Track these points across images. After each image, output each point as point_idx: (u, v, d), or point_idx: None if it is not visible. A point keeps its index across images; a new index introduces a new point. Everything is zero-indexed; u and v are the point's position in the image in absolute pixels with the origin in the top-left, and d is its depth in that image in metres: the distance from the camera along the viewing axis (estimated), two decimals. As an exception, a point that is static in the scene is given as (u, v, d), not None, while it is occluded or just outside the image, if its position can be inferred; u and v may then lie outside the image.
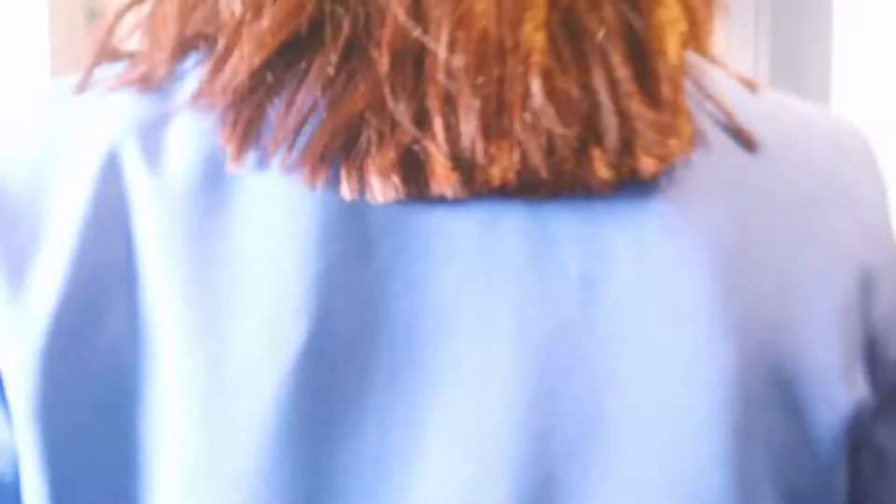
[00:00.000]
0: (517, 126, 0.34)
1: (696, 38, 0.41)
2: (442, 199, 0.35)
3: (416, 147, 0.34)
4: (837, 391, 0.38)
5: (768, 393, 0.37)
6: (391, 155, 0.34)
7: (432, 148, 0.33)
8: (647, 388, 0.36)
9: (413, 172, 0.34)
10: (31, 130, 0.38)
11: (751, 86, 0.42)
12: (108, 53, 0.39)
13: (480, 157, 0.34)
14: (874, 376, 0.40)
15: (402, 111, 0.34)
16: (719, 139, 0.39)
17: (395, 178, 0.34)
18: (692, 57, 0.40)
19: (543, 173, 0.34)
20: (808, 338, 0.38)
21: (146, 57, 0.38)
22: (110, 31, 0.40)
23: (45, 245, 0.35)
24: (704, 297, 0.36)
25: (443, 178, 0.34)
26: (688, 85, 0.38)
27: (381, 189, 0.34)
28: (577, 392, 0.35)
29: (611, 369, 0.36)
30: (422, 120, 0.34)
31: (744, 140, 0.39)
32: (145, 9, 0.39)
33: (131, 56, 0.39)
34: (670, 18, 0.37)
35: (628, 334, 0.36)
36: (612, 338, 0.36)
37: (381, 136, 0.34)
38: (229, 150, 0.35)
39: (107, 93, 0.38)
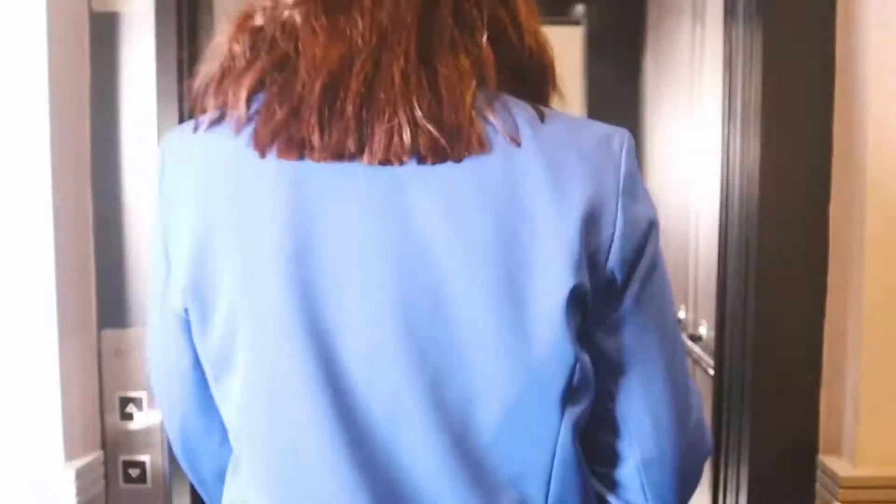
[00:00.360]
0: (339, 129, 0.73)
1: (534, 96, 0.81)
2: (346, 165, 0.74)
3: (301, 140, 0.74)
4: (566, 276, 0.73)
5: (521, 281, 0.72)
6: (286, 140, 0.74)
7: (306, 136, 0.73)
8: (458, 264, 0.72)
9: (302, 152, 0.74)
10: (182, 155, 0.79)
11: (541, 115, 0.77)
12: (200, 110, 0.81)
13: (325, 143, 0.73)
14: (597, 274, 0.76)
15: (295, 123, 0.74)
16: (501, 143, 0.74)
17: (294, 153, 0.74)
18: (506, 98, 0.77)
19: (355, 153, 0.73)
20: (552, 249, 0.73)
21: (213, 113, 0.79)
22: (200, 98, 0.80)
23: (182, 223, 0.77)
24: (482, 223, 0.72)
25: (315, 152, 0.73)
26: (488, 114, 0.75)
27: (286, 155, 0.74)
28: (424, 261, 0.73)
29: (436, 249, 0.72)
30: (301, 124, 0.74)
31: (514, 142, 0.74)
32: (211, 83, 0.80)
33: (207, 111, 0.80)
34: (461, 83, 0.74)
35: (435, 238, 0.72)
36: (429, 237, 0.72)
37: (289, 132, 0.74)
38: (257, 149, 0.75)
39: (204, 132, 0.78)
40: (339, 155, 0.73)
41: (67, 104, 1.53)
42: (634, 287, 0.78)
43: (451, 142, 0.72)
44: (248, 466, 0.80)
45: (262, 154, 0.74)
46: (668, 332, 0.82)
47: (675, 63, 2.86)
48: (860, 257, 1.47)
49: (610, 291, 0.77)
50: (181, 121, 1.60)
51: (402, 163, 0.72)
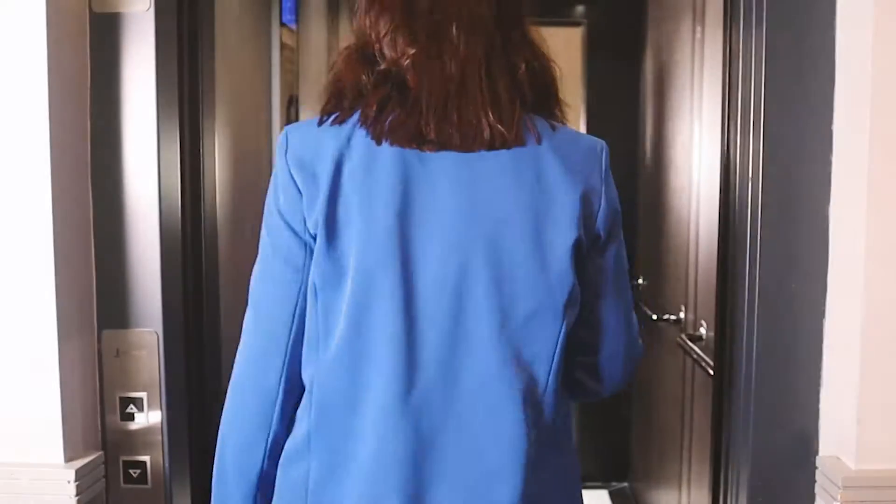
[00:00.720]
0: (447, 128, 1.14)
1: (545, 106, 1.22)
2: (433, 153, 1.15)
3: (419, 134, 1.14)
4: (570, 233, 1.15)
5: (544, 230, 1.14)
6: (407, 135, 1.14)
7: (424, 132, 1.14)
8: (507, 216, 1.14)
9: (419, 143, 1.14)
10: (307, 139, 1.17)
11: (553, 126, 1.19)
12: (326, 111, 1.19)
13: (438, 139, 1.14)
14: (589, 231, 1.18)
15: (413, 123, 1.14)
16: (531, 140, 1.17)
17: (414, 144, 1.14)
18: (531, 114, 1.19)
19: (458, 145, 1.14)
20: (562, 213, 1.15)
21: (340, 111, 1.18)
22: (327, 101, 1.20)
23: (318, 180, 1.14)
24: (521, 192, 1.14)
25: (426, 144, 1.14)
26: (527, 121, 1.17)
27: (403, 144, 1.14)
28: (484, 218, 1.14)
29: (493, 207, 1.14)
30: (419, 125, 1.15)
31: (537, 141, 1.17)
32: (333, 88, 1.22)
33: (333, 111, 1.19)
34: (511, 98, 1.16)
35: (493, 200, 1.15)
36: (489, 199, 1.14)
37: (408, 129, 1.14)
38: (374, 139, 1.14)
39: (329, 126, 1.17)
40: (444, 146, 1.13)
41: (67, 104, 1.53)
42: (612, 241, 1.21)
43: (508, 137, 1.14)
44: (325, 353, 1.14)
45: (379, 142, 1.12)
46: (626, 271, 1.27)
47: (675, 63, 2.86)
48: (860, 257, 1.46)
49: (597, 243, 1.20)
50: (181, 122, 1.61)
51: (477, 151, 1.13)
